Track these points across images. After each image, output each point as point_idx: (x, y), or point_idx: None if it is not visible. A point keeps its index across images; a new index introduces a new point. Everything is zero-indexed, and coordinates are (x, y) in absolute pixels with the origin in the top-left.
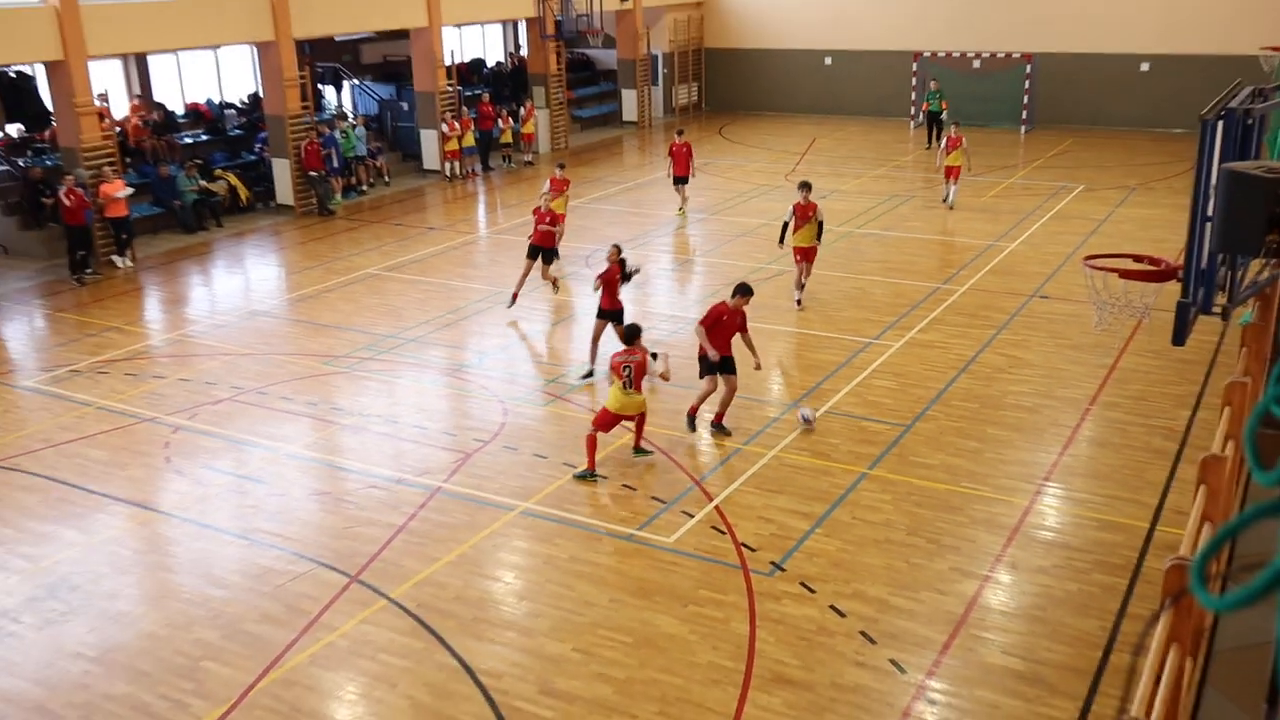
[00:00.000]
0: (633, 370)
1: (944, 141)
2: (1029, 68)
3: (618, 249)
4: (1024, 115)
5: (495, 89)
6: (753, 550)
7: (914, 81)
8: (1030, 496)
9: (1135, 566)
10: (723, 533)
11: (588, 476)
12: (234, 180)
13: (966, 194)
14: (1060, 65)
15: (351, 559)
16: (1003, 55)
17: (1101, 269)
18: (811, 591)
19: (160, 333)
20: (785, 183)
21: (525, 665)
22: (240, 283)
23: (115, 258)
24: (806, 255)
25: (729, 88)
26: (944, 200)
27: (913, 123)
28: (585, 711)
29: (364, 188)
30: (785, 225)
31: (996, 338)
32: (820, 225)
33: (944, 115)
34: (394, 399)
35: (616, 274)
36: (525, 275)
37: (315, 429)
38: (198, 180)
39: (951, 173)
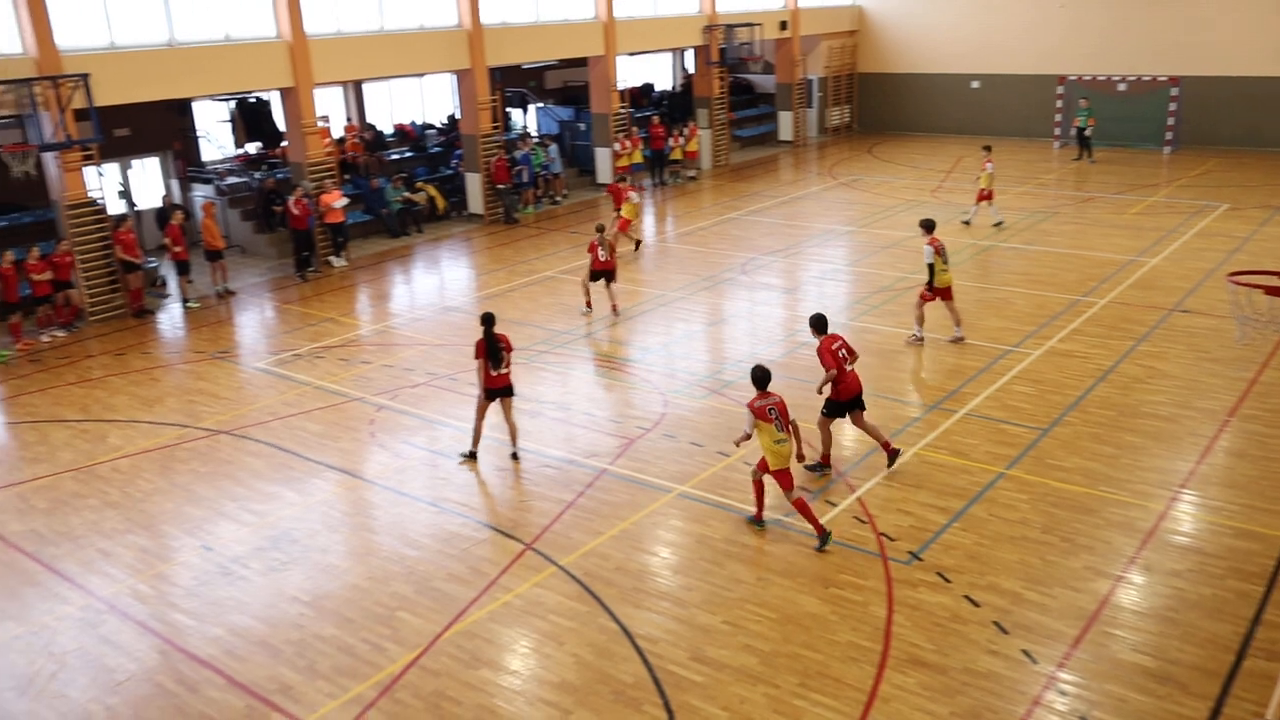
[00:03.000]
0: (779, 412)
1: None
2: (1175, 90)
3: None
4: (1168, 136)
5: (665, 111)
6: (892, 540)
7: (1059, 104)
8: (1166, 502)
9: (1272, 575)
10: (864, 522)
11: (757, 525)
12: (433, 192)
13: (1108, 210)
14: (1207, 88)
15: (526, 529)
16: (1149, 78)
17: (1246, 285)
18: (947, 581)
19: (368, 324)
20: (931, 198)
21: (678, 633)
22: (436, 282)
23: (332, 258)
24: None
25: (880, 109)
26: (969, 222)
27: (1056, 143)
28: (732, 679)
29: (558, 199)
30: (933, 267)
31: (1136, 349)
32: (930, 268)
33: (1089, 132)
34: (566, 388)
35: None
36: (588, 292)
37: (497, 413)
38: (402, 191)
39: (982, 195)
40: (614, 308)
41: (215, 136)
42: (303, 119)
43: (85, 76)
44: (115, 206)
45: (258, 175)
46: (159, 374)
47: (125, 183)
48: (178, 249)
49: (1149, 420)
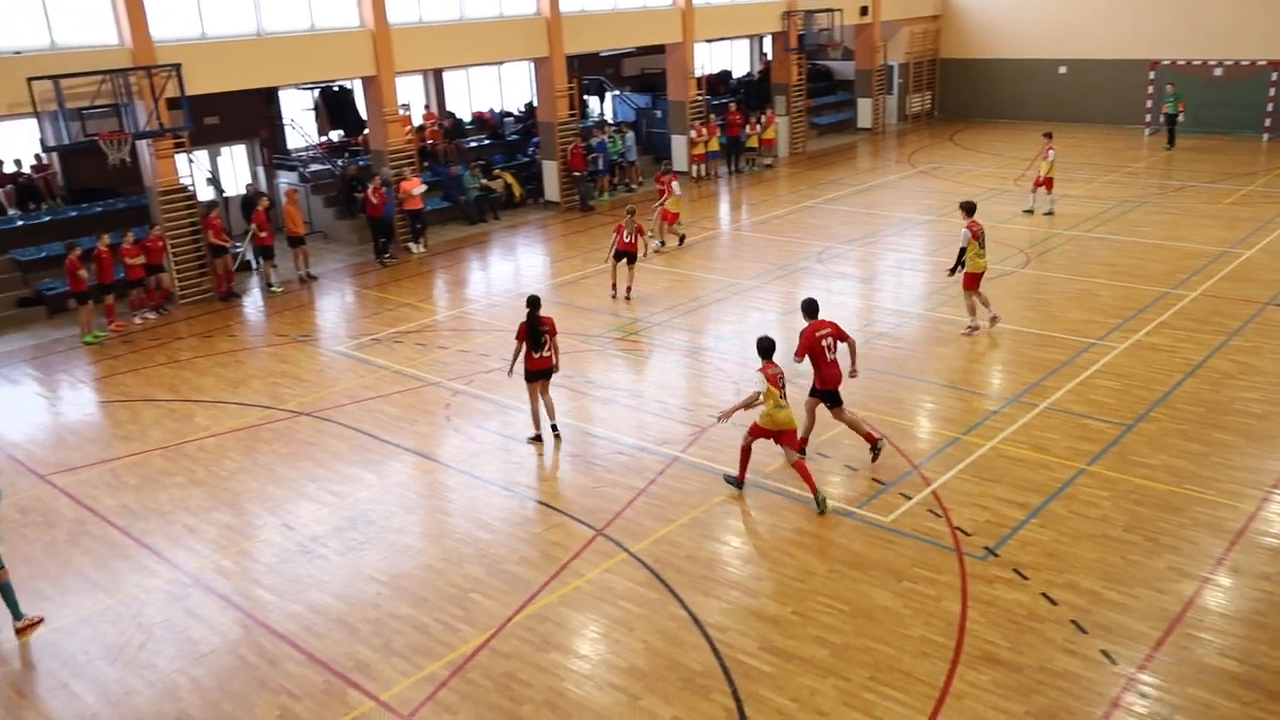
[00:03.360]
0: (781, 381)
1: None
2: (1275, 75)
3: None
4: (1266, 123)
5: (742, 98)
6: (967, 535)
7: (1150, 89)
8: (1257, 503)
9: None
10: (938, 516)
11: (735, 485)
12: (510, 179)
13: (1200, 199)
14: None
15: (597, 515)
16: (1247, 63)
17: None
18: (1024, 578)
19: (445, 309)
20: (1014, 187)
21: (748, 622)
22: (511, 268)
23: (411, 245)
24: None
25: (962, 96)
26: (1032, 211)
27: (1146, 130)
28: (801, 670)
29: (633, 186)
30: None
31: (1227, 344)
32: (963, 251)
33: (1180, 118)
34: (639, 376)
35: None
36: (615, 274)
37: (570, 398)
38: (480, 179)
39: (1039, 181)
40: (628, 289)
41: (300, 124)
42: (384, 107)
43: (177, 66)
44: (204, 193)
45: (340, 163)
46: (244, 356)
47: (214, 170)
48: (263, 234)
49: (1240, 418)
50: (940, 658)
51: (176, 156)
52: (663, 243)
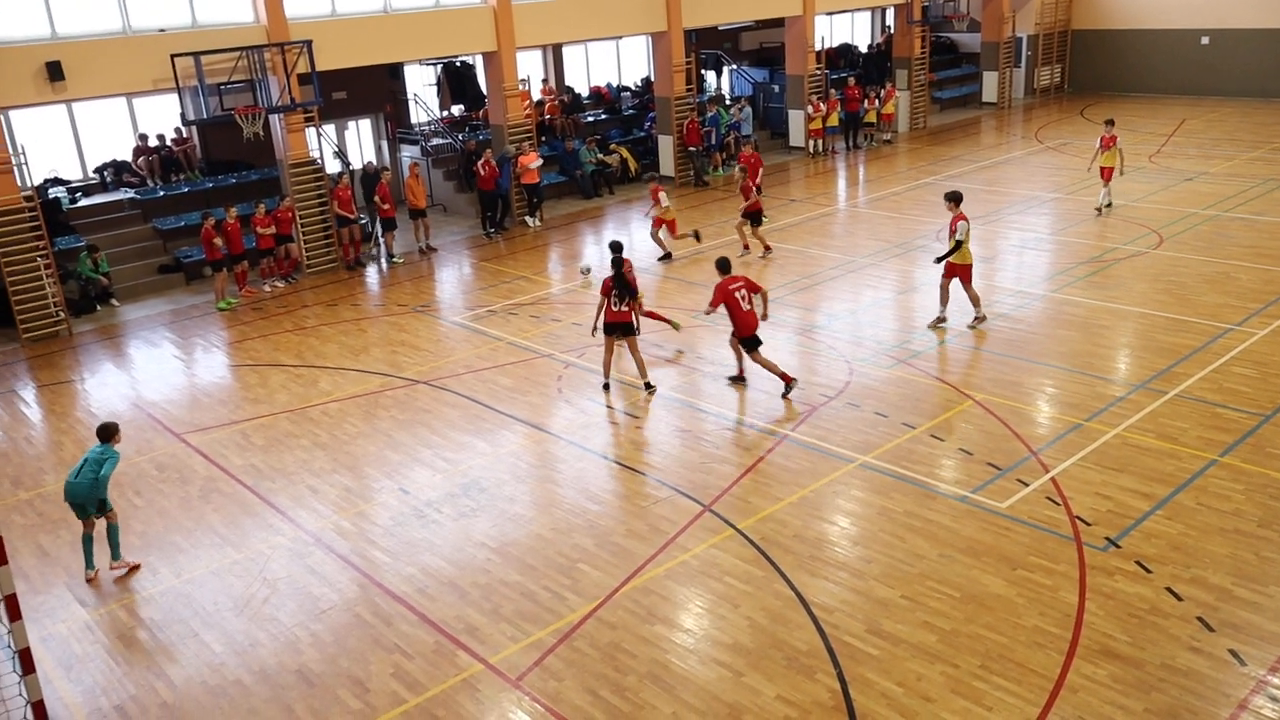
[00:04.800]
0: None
1: (1098, 140)
2: None
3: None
4: None
5: (861, 72)
6: (1088, 524)
7: None
8: None
9: None
10: (1057, 504)
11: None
12: (626, 154)
13: None
14: None
15: (705, 490)
16: None
17: None
18: (1148, 571)
19: (559, 282)
20: (1149, 164)
21: (855, 604)
22: (625, 243)
23: (527, 218)
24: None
25: (1094, 69)
26: (1098, 206)
27: None
28: (909, 655)
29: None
30: (959, 244)
31: None
32: (959, 244)
33: None
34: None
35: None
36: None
37: (681, 374)
38: (596, 153)
39: (1105, 174)
40: (748, 247)
41: (422, 99)
42: (504, 82)
43: (309, 43)
44: (331, 166)
45: (460, 137)
46: (365, 325)
47: (340, 143)
48: (385, 206)
49: None
50: (1055, 649)
51: (306, 130)
52: (697, 233)
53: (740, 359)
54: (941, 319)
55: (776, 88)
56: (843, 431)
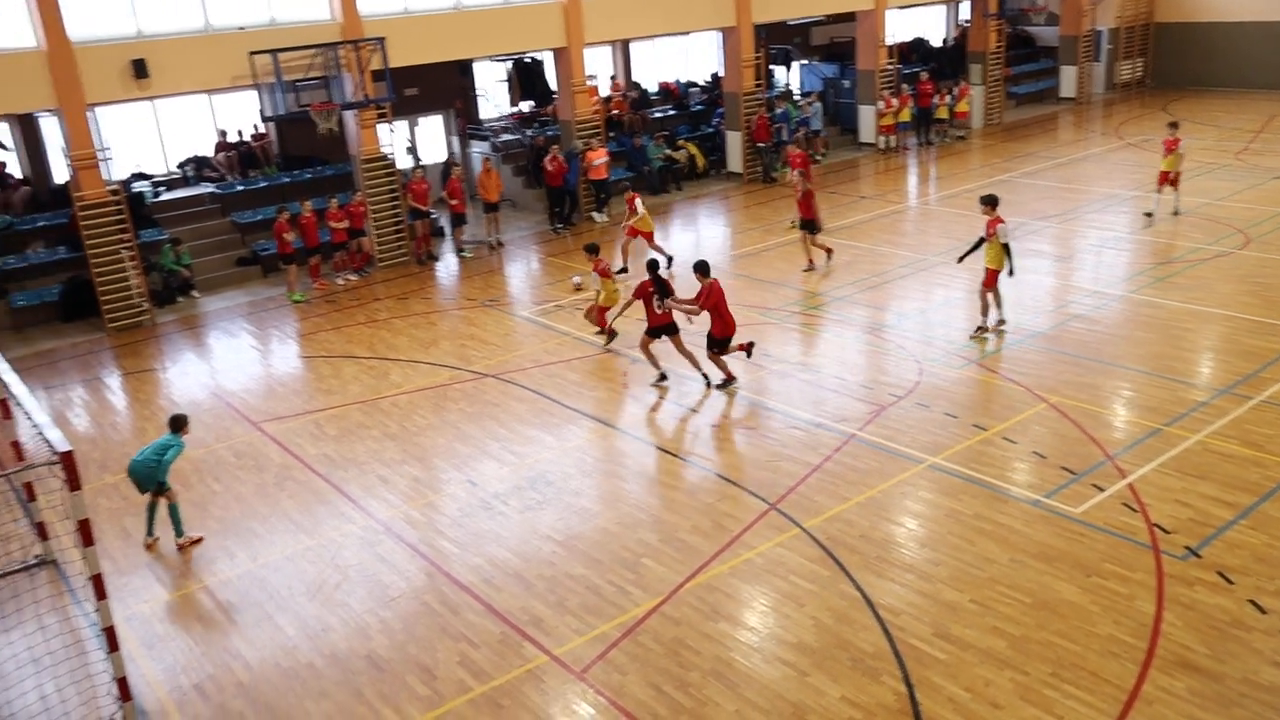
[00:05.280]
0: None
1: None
2: None
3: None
4: None
5: (934, 67)
6: (1166, 532)
7: None
8: None
9: None
10: (1134, 511)
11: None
12: (694, 150)
13: None
14: None
15: (771, 489)
16: None
17: None
18: (1229, 582)
19: (623, 278)
20: (1235, 161)
21: (922, 607)
22: (692, 239)
23: (594, 214)
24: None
25: (1178, 63)
26: (1152, 214)
27: None
28: (977, 660)
29: (817, 157)
30: (980, 243)
31: None
32: (1007, 248)
33: None
34: (817, 351)
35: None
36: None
37: (747, 371)
38: (664, 149)
39: (1166, 179)
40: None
41: (492, 95)
42: (573, 78)
43: (382, 40)
44: (403, 161)
45: (529, 133)
46: (435, 318)
47: (412, 139)
48: (454, 202)
49: None
50: (1130, 659)
51: (378, 126)
52: (670, 259)
53: (724, 367)
54: (1001, 321)
55: (847, 83)
56: (911, 432)
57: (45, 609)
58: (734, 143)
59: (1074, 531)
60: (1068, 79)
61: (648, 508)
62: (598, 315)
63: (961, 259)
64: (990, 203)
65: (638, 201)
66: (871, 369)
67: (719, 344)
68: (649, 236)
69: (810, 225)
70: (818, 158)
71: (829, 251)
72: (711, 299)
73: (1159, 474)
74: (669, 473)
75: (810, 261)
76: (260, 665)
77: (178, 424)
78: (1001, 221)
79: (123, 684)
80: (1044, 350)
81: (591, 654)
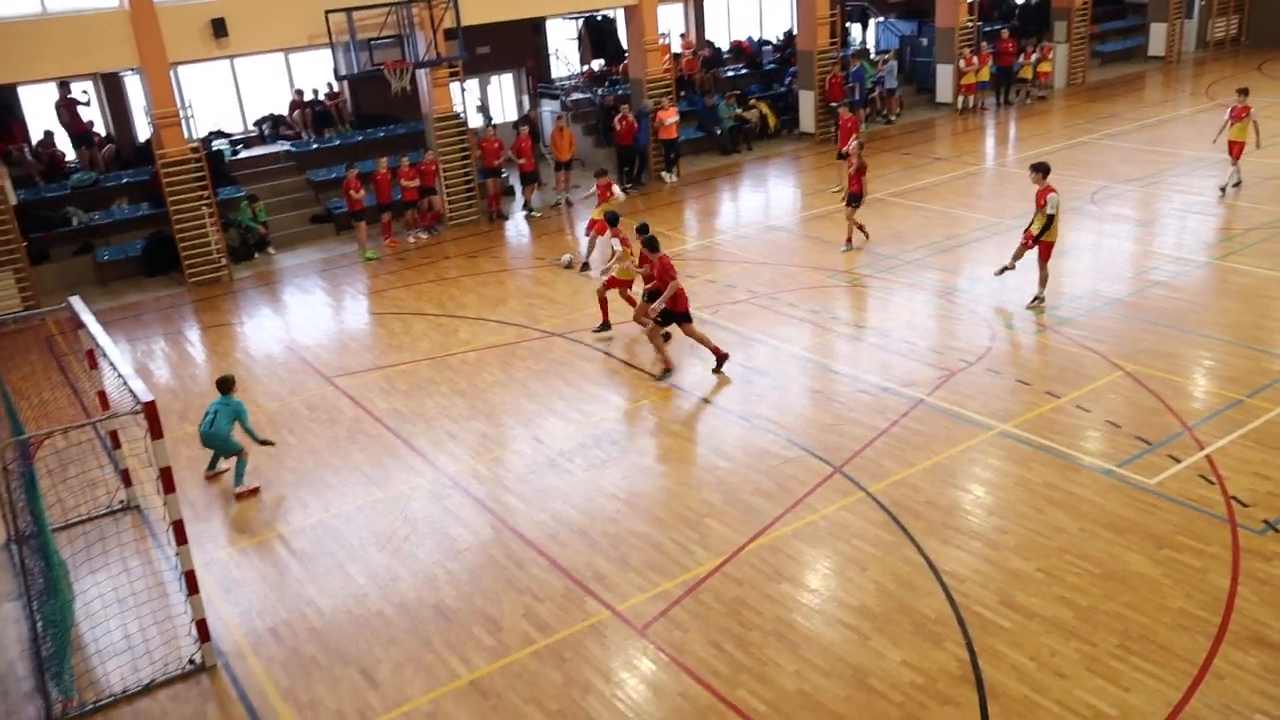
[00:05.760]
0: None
1: (1228, 111)
2: None
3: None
4: None
5: (1016, 24)
6: (1245, 505)
7: None
8: None
9: None
10: (1211, 483)
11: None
12: (765, 109)
13: None
14: None
15: (836, 452)
16: None
17: None
18: None
19: (694, 239)
20: None
21: (987, 574)
22: (761, 200)
23: (664, 174)
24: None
25: (1275, 21)
26: (1223, 186)
27: None
28: (1043, 629)
29: (891, 117)
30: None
31: None
32: (1050, 219)
33: None
34: (887, 314)
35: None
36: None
37: (814, 334)
38: (735, 109)
39: (1234, 150)
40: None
41: (563, 54)
42: (644, 36)
43: None
44: (474, 120)
45: (600, 92)
46: (504, 277)
47: (484, 97)
48: (522, 160)
49: None
50: (1202, 633)
51: (451, 85)
52: (587, 264)
53: (711, 344)
54: (1039, 299)
55: (924, 41)
56: (981, 398)
57: (129, 552)
58: (807, 102)
59: (1147, 502)
60: (1157, 36)
61: (711, 468)
62: (616, 292)
63: (1037, 240)
64: (1041, 170)
65: (615, 189)
66: (942, 334)
67: (677, 317)
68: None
69: (856, 199)
70: (891, 118)
71: (865, 233)
72: (669, 273)
73: (1239, 446)
74: (734, 434)
75: (849, 240)
76: (332, 612)
77: (226, 385)
78: (1053, 191)
79: (202, 625)
80: (1122, 317)
81: (653, 611)
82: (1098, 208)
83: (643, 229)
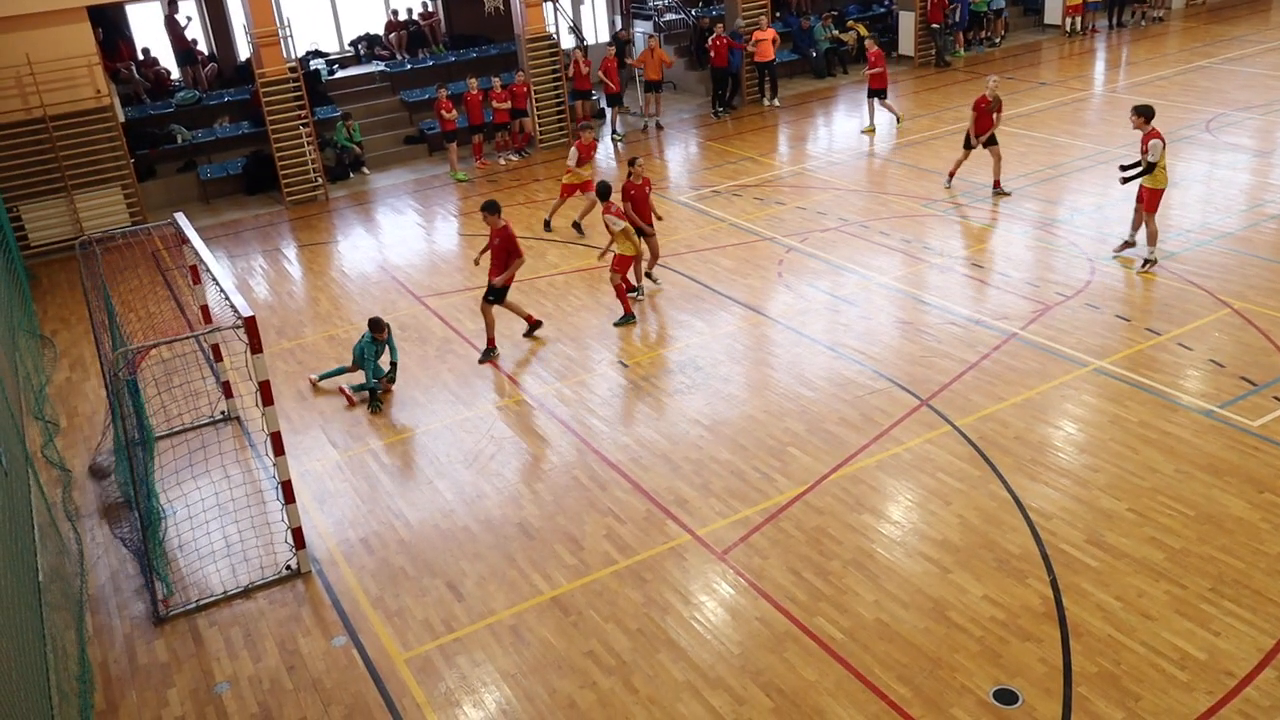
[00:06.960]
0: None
1: None
2: None
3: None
4: None
5: None
6: None
7: None
8: None
9: None
10: None
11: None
12: (863, 31)
13: None
14: None
15: (924, 384)
16: None
17: None
18: None
19: (785, 165)
20: None
21: (1076, 513)
22: (856, 125)
23: (762, 98)
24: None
25: None
26: None
27: None
28: (1131, 570)
29: (996, 40)
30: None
31: None
32: (1151, 166)
33: None
34: (982, 245)
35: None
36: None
37: (906, 264)
38: (832, 30)
39: None
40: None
41: None
42: None
43: None
44: (566, 41)
45: (694, 13)
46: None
47: (576, 18)
48: (608, 82)
49: None
50: None
51: (544, 5)
52: (548, 223)
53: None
54: (1129, 244)
55: None
56: (1078, 333)
57: (229, 460)
58: (906, 23)
59: (1248, 445)
60: None
61: (796, 397)
62: (622, 273)
63: (1126, 180)
64: (1144, 114)
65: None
66: (1039, 266)
67: (497, 294)
68: (588, 186)
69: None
70: (996, 40)
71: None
72: (503, 245)
73: None
74: (819, 364)
75: (997, 183)
76: (420, 525)
77: (376, 326)
78: (1157, 136)
79: (297, 533)
80: (1232, 252)
81: (733, 536)
82: (1212, 136)
83: (489, 205)
